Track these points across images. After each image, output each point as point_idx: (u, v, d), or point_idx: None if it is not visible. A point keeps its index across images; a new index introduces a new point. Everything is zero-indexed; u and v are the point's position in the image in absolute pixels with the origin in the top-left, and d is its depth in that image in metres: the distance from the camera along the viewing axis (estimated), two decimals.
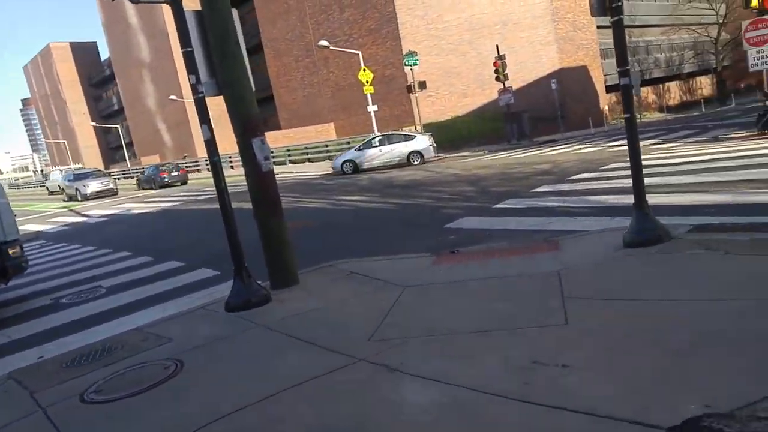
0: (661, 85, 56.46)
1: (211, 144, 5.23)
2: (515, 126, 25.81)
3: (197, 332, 4.71)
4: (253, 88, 5.67)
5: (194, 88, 5.14)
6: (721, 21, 46.14)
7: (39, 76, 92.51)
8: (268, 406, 3.09)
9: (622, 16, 4.96)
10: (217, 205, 15.91)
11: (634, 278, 4.29)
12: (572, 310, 3.82)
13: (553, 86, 27.22)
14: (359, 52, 27.18)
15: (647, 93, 53.10)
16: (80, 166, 61.69)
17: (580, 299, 4.04)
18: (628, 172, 10.06)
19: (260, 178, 5.59)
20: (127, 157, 57.55)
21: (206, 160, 37.75)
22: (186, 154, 51.52)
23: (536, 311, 3.96)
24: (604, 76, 43.00)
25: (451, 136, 28.22)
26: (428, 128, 27.87)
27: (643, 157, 11.58)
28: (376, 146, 21.95)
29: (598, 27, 42.98)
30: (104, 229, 15.11)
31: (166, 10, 50.18)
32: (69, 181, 31.17)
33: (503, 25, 34.43)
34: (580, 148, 17.77)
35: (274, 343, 4.21)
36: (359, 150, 22.22)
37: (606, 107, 41.14)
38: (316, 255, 7.54)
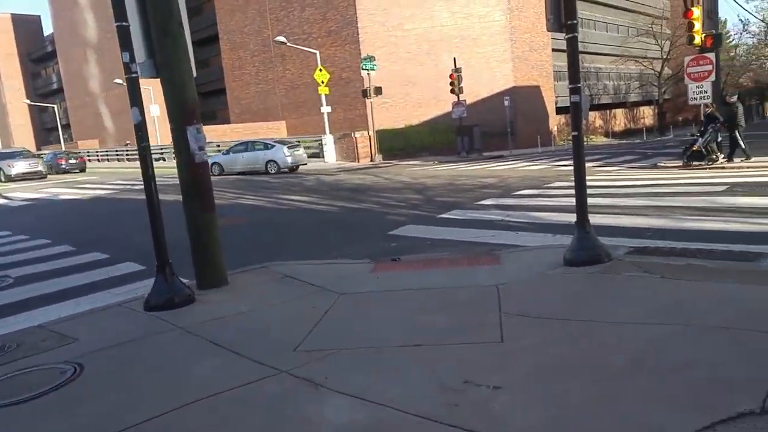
0: (608, 111, 58.88)
1: (141, 128, 4.85)
2: (466, 139, 26.07)
3: (107, 333, 4.30)
4: (194, 73, 5.30)
5: (127, 67, 4.74)
6: (664, 57, 48.62)
7: None
8: (173, 421, 2.77)
9: (576, 34, 4.93)
10: (161, 198, 14.88)
11: (572, 297, 4.22)
12: (508, 327, 3.69)
13: (506, 103, 27.70)
14: (317, 52, 26.84)
15: (595, 117, 55.14)
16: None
17: (518, 316, 3.92)
18: (571, 191, 10.13)
19: (193, 169, 5.23)
20: (62, 140, 54.72)
21: (156, 149, 36.18)
22: (128, 142, 49.45)
23: (472, 326, 3.81)
24: (555, 97, 44.33)
25: (403, 144, 28.25)
26: (382, 134, 27.79)
27: (588, 177, 11.76)
28: (239, 152, 22.83)
29: (553, 50, 44.30)
30: (25, 213, 14.11)
31: None
32: None
33: (461, 39, 34.88)
34: (527, 166, 18.05)
35: (191, 348, 3.87)
36: (226, 154, 23.35)
37: (555, 128, 42.31)
38: (250, 255, 7.22)
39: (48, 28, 59.91)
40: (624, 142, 40.77)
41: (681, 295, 3.91)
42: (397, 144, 27.44)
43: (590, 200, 8.89)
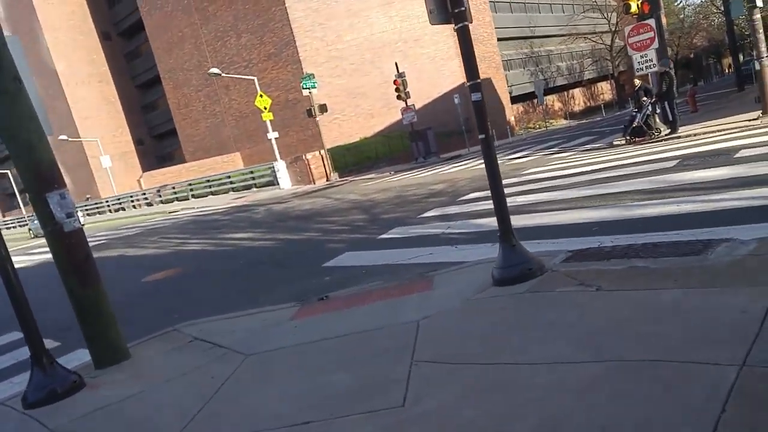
0: (565, 93, 59.14)
1: None
2: (421, 144, 25.64)
3: None
4: (45, 131, 4.66)
5: None
6: (613, 29, 48.89)
7: None
8: None
9: (467, 23, 4.42)
10: (102, 254, 14.28)
11: (493, 330, 3.65)
12: (415, 383, 3.12)
13: (456, 101, 27.38)
14: (254, 78, 26.19)
15: (553, 101, 55.42)
16: None
17: (428, 364, 3.36)
18: (518, 188, 9.83)
19: (63, 241, 4.56)
20: (21, 205, 53.08)
21: (109, 201, 35.25)
22: (88, 196, 48.20)
23: (375, 386, 3.23)
24: (509, 87, 44.37)
25: (358, 158, 27.74)
26: (335, 151, 27.23)
27: (537, 168, 11.28)
28: None
29: (499, 39, 44.40)
30: None
31: (53, 46, 47.06)
32: None
33: (404, 42, 34.65)
34: (481, 164, 17.62)
35: None
36: None
37: (512, 118, 42.31)
38: (172, 313, 6.61)
39: None
40: (584, 122, 40.80)
41: (616, 313, 3.36)
42: (352, 159, 26.93)
43: (533, 197, 8.57)
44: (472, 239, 6.90)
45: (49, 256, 14.95)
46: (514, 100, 48.54)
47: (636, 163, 10.07)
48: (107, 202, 37.83)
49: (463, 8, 4.34)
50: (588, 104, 60.01)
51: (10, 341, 7.04)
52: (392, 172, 22.53)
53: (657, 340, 2.87)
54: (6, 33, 4.61)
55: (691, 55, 55.48)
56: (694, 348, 2.70)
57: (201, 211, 22.69)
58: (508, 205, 8.21)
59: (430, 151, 26.09)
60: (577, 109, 58.32)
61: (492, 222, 7.41)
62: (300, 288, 6.44)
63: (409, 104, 25.07)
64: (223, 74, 26.77)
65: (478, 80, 4.44)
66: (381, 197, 13.60)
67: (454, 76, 36.35)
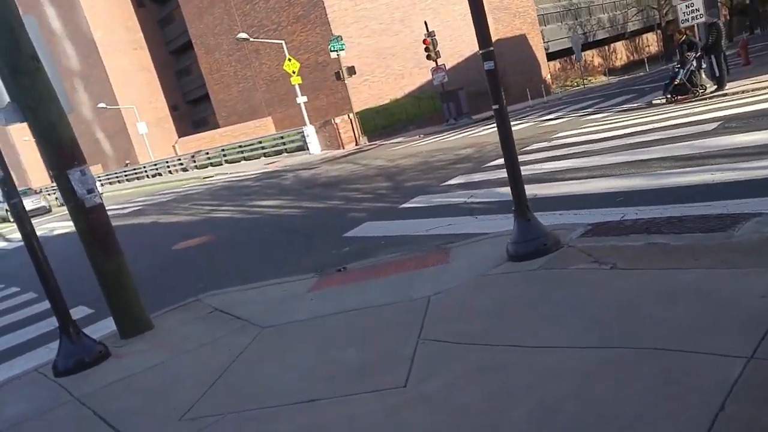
0: (606, 47, 56.52)
1: (6, 183, 4.31)
2: (452, 105, 25.15)
3: (4, 410, 3.91)
4: (65, 109, 4.74)
5: None
6: None
7: None
8: None
9: None
10: (137, 220, 14.67)
11: (503, 309, 3.61)
12: (419, 362, 3.14)
13: None
14: (282, 42, 25.98)
15: (592, 56, 53.28)
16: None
17: (435, 343, 3.36)
18: (546, 154, 9.58)
19: (86, 216, 4.70)
20: None
21: (146, 167, 36.00)
22: (128, 161, 49.42)
23: (381, 364, 3.28)
24: (545, 43, 42.85)
25: (388, 121, 27.44)
26: (365, 114, 26.99)
27: (569, 132, 10.97)
28: None
29: None
30: (14, 256, 13.83)
31: (90, 14, 47.55)
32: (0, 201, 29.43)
33: None
34: (515, 125, 17.21)
35: (73, 428, 3.43)
36: None
37: (548, 76, 41.00)
38: (198, 282, 6.80)
39: None
40: (626, 77, 39.04)
41: (628, 294, 3.26)
42: (382, 122, 26.66)
43: (561, 164, 8.33)
44: (493, 209, 6.79)
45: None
46: (551, 56, 46.87)
47: (673, 125, 9.65)
48: (144, 167, 38.72)
49: None
50: (631, 58, 57.24)
51: (49, 308, 7.34)
52: (421, 135, 22.27)
53: (667, 326, 2.78)
54: (23, 13, 4.64)
55: (748, 1, 51.81)
56: (705, 336, 2.61)
57: (233, 177, 23.01)
58: (534, 172, 8.16)
59: (462, 112, 25.60)
60: (618, 64, 55.84)
61: None
62: (321, 258, 6.51)
63: (439, 64, 24.53)
64: (251, 38, 26.62)
65: (491, 48, 4.29)
66: (407, 163, 13.49)
67: None
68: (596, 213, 5.50)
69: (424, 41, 24.46)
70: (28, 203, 28.04)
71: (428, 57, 24.53)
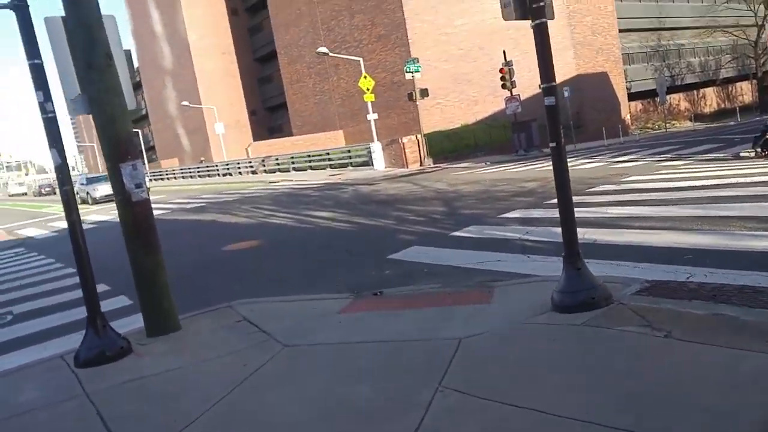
0: (695, 92, 53.88)
1: (61, 170, 4.40)
2: (523, 136, 24.61)
3: (13, 398, 3.92)
4: (129, 106, 4.83)
5: (42, 107, 4.33)
6: (760, 22, 43.54)
7: None
8: None
9: (545, 19, 3.98)
10: (197, 216, 15.01)
11: (534, 365, 3.30)
12: (433, 413, 2.89)
13: (565, 94, 25.93)
14: (360, 59, 26.33)
15: (679, 100, 50.93)
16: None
17: (454, 393, 3.09)
18: (613, 198, 9.04)
19: (131, 209, 4.74)
20: (146, 161, 57.69)
21: (218, 166, 37.30)
22: (202, 159, 51.43)
23: (395, 407, 3.04)
24: (627, 83, 41.39)
25: (456, 145, 27.14)
26: (433, 137, 26.85)
27: (642, 177, 10.34)
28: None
29: (621, 31, 41.48)
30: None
31: (188, 20, 50.40)
32: (81, 184, 31.01)
33: (516, 29, 33.20)
34: (583, 163, 16.58)
35: (71, 426, 3.37)
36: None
37: (628, 116, 39.52)
38: (235, 286, 6.82)
39: (137, 61, 63.77)
40: (713, 125, 36.95)
41: (678, 372, 2.88)
42: (450, 145, 26.40)
43: (627, 210, 7.81)
44: (547, 250, 6.41)
45: (157, 212, 15.67)
46: (633, 96, 45.15)
47: (759, 182, 8.89)
48: (217, 166, 40.10)
49: (542, 3, 3.90)
50: (722, 106, 54.17)
51: (100, 292, 7.46)
52: (487, 163, 21.86)
53: (714, 421, 2.39)
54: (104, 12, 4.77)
55: None
56: None
57: (297, 185, 23.37)
58: (597, 215, 7.68)
59: (532, 144, 25.00)
60: (707, 110, 53.00)
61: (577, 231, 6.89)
62: (361, 278, 6.36)
63: (514, 94, 24.09)
64: (330, 53, 27.17)
65: (553, 83, 4.00)
66: (467, 189, 13.17)
67: (567, 67, 34.48)
68: (658, 269, 5.04)
69: (501, 70, 24.14)
70: (106, 188, 27.76)
71: (503, 86, 24.17)
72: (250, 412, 3.27)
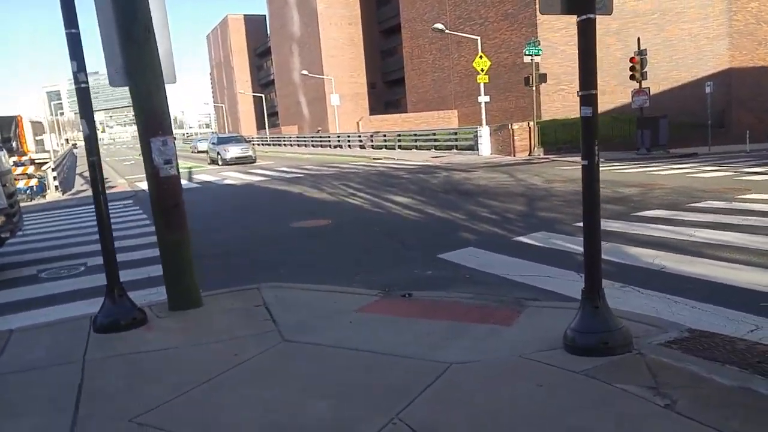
0: None
1: (90, 141, 4.57)
2: (648, 133, 22.42)
3: (24, 355, 4.20)
4: (168, 81, 4.90)
5: (75, 77, 4.49)
6: None
7: (217, 44, 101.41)
8: None
9: (592, 15, 3.39)
10: (288, 187, 15.63)
11: (505, 415, 2.88)
12: None
13: (707, 89, 23.16)
14: (478, 38, 25.38)
15: None
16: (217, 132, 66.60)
17: (406, 428, 2.79)
18: (712, 218, 7.88)
19: (158, 185, 4.84)
20: (266, 126, 60.88)
21: (330, 137, 38.32)
22: (319, 129, 53.19)
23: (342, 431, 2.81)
24: None
25: (571, 136, 25.38)
26: (548, 125, 25.39)
27: (764, 195, 9.30)
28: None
29: None
30: (188, 195, 15.54)
31: None
32: (213, 144, 31.47)
33: (662, 14, 30.30)
34: (709, 171, 14.74)
35: (47, 393, 3.51)
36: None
37: None
38: (280, 267, 6.90)
39: (269, 27, 67.03)
40: None
41: None
42: (564, 136, 24.75)
43: (723, 235, 6.76)
44: (606, 272, 5.65)
45: (254, 178, 16.73)
46: None
47: None
48: (329, 138, 41.15)
49: None
50: None
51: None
52: (602, 160, 20.20)
53: None
54: None
55: None
56: None
57: (396, 164, 23.30)
58: (681, 237, 6.74)
59: (658, 143, 22.72)
60: None
61: (646, 254, 6.11)
62: (401, 274, 6.17)
63: (643, 87, 21.99)
64: (447, 31, 26.45)
65: (593, 91, 3.41)
66: (560, 189, 12.24)
67: (718, 59, 30.85)
68: (720, 314, 4.27)
69: (632, 59, 22.06)
70: (237, 150, 28.54)
71: (632, 77, 22.12)
72: (203, 410, 3.20)
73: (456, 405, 3.04)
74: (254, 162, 28.77)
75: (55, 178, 17.41)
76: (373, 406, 3.07)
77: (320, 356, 3.92)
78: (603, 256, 6.14)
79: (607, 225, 7.89)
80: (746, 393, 2.81)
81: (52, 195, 17.10)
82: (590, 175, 3.45)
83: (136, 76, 4.71)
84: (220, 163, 28.84)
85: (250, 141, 36.02)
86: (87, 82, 4.54)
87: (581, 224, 7.87)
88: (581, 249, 6.52)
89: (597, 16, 3.45)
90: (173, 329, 4.61)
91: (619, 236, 7.18)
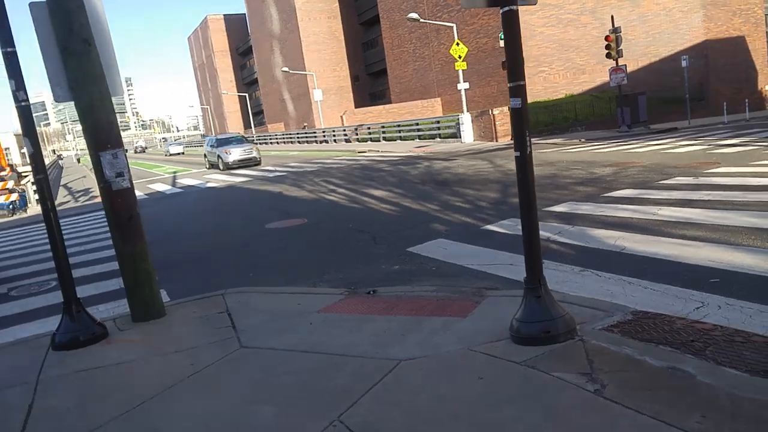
0: None
1: (35, 160, 4.55)
2: (628, 110, 22.49)
3: None
4: (113, 92, 4.88)
5: (14, 96, 4.46)
6: None
7: (198, 46, 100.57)
8: None
9: (514, 7, 3.39)
10: (270, 187, 15.57)
11: (444, 410, 2.92)
12: None
13: (683, 63, 23.23)
14: (453, 25, 25.31)
15: None
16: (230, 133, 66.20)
17: (345, 430, 2.82)
18: (679, 195, 7.93)
19: (111, 198, 4.83)
20: (252, 125, 60.64)
21: (316, 133, 38.16)
22: (305, 124, 53.02)
23: None
24: None
25: (553, 118, 25.49)
26: (530, 108, 25.37)
27: (732, 169, 9.56)
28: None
29: None
30: (161, 203, 15.53)
31: None
32: (211, 146, 26.98)
33: None
34: (679, 146, 14.81)
35: None
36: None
37: (766, 87, 34.82)
38: (252, 270, 6.92)
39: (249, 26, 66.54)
40: None
41: None
42: (546, 118, 24.83)
43: (686, 213, 6.80)
44: (567, 256, 5.75)
45: (238, 179, 16.61)
46: None
47: None
48: (315, 133, 41.07)
49: None
50: None
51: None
52: (582, 140, 20.30)
53: None
54: None
55: None
56: None
57: (379, 156, 23.29)
58: (646, 216, 6.80)
59: (638, 120, 22.81)
60: None
61: (608, 238, 6.13)
62: (370, 270, 6.21)
63: (620, 64, 22.00)
64: (422, 20, 26.34)
65: (522, 82, 3.41)
66: (537, 172, 12.13)
67: (693, 32, 30.87)
68: (669, 293, 4.31)
69: (607, 37, 22.06)
70: (240, 152, 25.12)
71: (608, 55, 22.12)
72: (147, 425, 3.22)
73: (396, 404, 3.07)
74: (259, 164, 25.55)
75: (35, 191, 17.28)
76: (316, 410, 3.10)
77: (273, 361, 3.94)
78: (568, 240, 6.27)
79: (576, 208, 7.95)
80: (673, 373, 2.85)
81: (34, 209, 17.01)
82: (524, 167, 3.47)
83: (79, 89, 4.68)
84: (221, 167, 25.28)
85: (251, 140, 33.94)
86: (27, 100, 4.52)
87: (552, 209, 8.01)
88: (547, 234, 6.64)
89: (520, 7, 3.44)
90: (133, 341, 4.62)
91: (585, 219, 7.21)
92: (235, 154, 24.86)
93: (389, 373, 3.46)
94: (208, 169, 27.36)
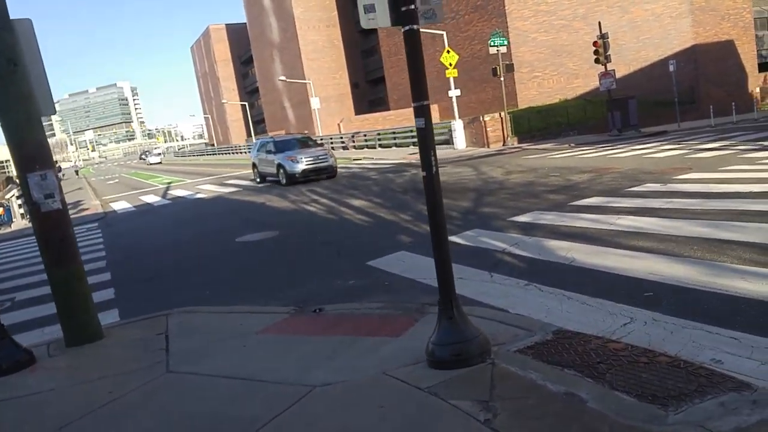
0: None
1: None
2: (618, 115, 22.35)
3: None
4: (44, 112, 4.84)
5: None
6: None
7: (201, 55, 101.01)
8: None
9: (416, 26, 3.32)
10: (254, 198, 15.49)
11: None
12: None
13: (671, 68, 23.10)
14: (443, 33, 25.29)
15: None
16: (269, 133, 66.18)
17: None
18: (640, 203, 7.81)
19: (40, 221, 4.77)
20: (253, 133, 60.75)
21: (317, 140, 38.15)
22: (306, 132, 53.02)
23: None
24: (758, 51, 36.11)
25: (545, 123, 25.34)
26: (521, 114, 25.30)
27: (702, 174, 9.43)
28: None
29: None
30: (144, 217, 15.47)
31: None
32: (267, 152, 19.84)
33: None
34: (666, 150, 14.65)
35: None
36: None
37: (757, 89, 34.51)
38: (208, 287, 6.83)
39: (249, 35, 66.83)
40: None
41: None
42: (538, 123, 24.70)
43: (639, 222, 6.67)
44: (519, 269, 5.65)
45: (226, 189, 16.55)
46: (762, 68, 39.26)
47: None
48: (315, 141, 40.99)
49: (412, 7, 3.26)
50: None
51: (100, 281, 7.74)
52: (572, 145, 20.16)
53: None
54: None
55: None
56: None
57: (372, 164, 23.24)
58: (603, 226, 6.71)
59: (629, 124, 22.66)
60: None
61: (560, 249, 6.02)
62: (324, 286, 6.13)
63: (608, 69, 21.88)
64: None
65: (425, 102, 3.34)
66: (515, 180, 12.16)
67: (682, 37, 30.70)
68: (603, 309, 4.21)
69: (595, 43, 21.97)
70: (310, 158, 18.25)
71: (596, 61, 22.02)
72: None
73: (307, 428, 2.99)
74: (334, 175, 19.11)
75: (20, 206, 17.31)
76: None
77: (192, 388, 3.86)
78: (523, 252, 6.16)
79: (540, 217, 7.84)
80: (567, 399, 2.74)
81: (19, 224, 17.02)
82: (431, 187, 3.37)
83: (4, 110, 4.63)
84: (284, 181, 18.29)
85: (323, 143, 24.15)
86: None
87: (516, 218, 7.91)
88: (502, 246, 6.54)
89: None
90: (60, 368, 4.53)
91: (545, 229, 7.10)
92: (305, 161, 18.12)
93: (298, 401, 3.37)
94: (259, 183, 20.50)
